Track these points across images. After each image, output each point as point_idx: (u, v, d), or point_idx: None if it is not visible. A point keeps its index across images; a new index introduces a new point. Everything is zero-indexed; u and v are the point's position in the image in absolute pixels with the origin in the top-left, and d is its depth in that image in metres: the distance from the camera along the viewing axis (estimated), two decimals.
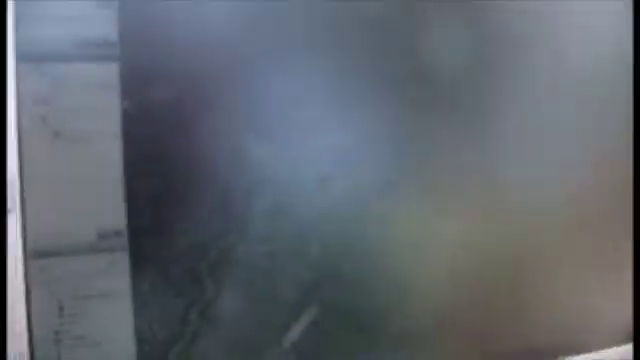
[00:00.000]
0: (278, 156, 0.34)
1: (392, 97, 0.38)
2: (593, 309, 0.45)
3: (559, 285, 0.43)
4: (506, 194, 0.41)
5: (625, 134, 0.45)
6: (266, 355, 0.34)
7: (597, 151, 0.44)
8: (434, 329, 0.38)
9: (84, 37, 0.32)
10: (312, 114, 0.36)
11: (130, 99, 0.32)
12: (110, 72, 0.32)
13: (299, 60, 0.35)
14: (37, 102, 0.31)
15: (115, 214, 0.32)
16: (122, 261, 0.32)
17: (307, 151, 0.35)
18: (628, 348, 0.45)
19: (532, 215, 0.42)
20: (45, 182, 0.31)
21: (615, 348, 0.45)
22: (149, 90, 0.32)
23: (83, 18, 0.32)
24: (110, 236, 0.32)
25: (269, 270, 0.34)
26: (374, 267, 0.36)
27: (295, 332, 0.34)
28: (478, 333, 0.40)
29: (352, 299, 0.36)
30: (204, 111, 0.33)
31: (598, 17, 0.44)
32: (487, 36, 0.40)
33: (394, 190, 0.37)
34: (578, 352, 0.44)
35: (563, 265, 0.43)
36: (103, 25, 0.32)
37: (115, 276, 0.32)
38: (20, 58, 0.31)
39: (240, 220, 0.33)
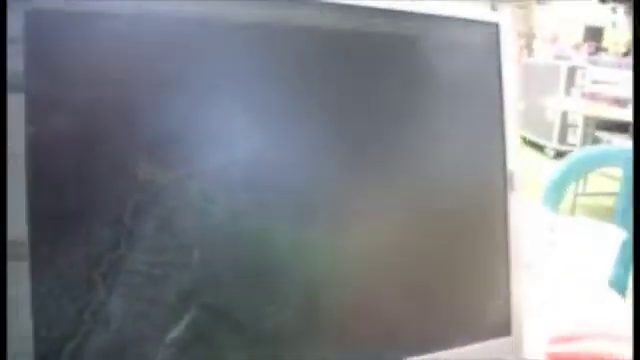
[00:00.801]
0: (167, 178, 0.39)
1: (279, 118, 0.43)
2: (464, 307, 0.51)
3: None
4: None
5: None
6: (150, 350, 0.38)
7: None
8: (306, 330, 0.44)
9: None
10: (199, 140, 0.40)
11: (34, 125, 0.36)
12: (16, 100, 0.36)
13: (193, 88, 0.40)
14: None
15: (18, 227, 0.36)
16: (23, 269, 0.36)
17: (193, 172, 0.40)
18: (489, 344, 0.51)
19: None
20: None
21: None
22: (52, 117, 0.37)
23: None
24: (14, 246, 0.36)
25: (155, 278, 0.38)
26: (251, 275, 0.41)
27: (176, 331, 0.39)
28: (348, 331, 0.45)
29: (229, 303, 0.41)
30: (101, 136, 0.38)
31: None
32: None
33: (270, 210, 0.42)
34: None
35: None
36: (11, 58, 0.36)
37: (17, 282, 0.36)
38: None
39: (130, 234, 0.38)
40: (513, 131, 0.52)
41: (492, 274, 0.52)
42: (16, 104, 0.36)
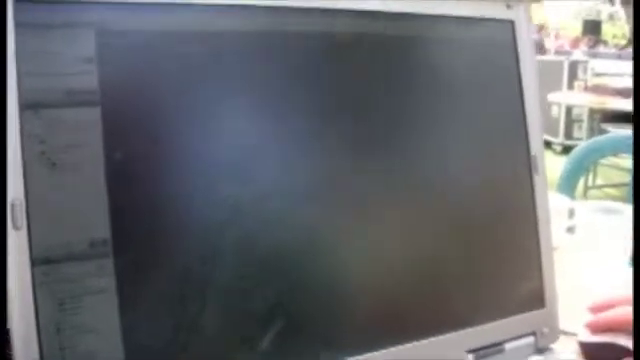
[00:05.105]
0: (245, 194, 0.44)
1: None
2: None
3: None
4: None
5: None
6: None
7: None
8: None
9: (71, 87, 0.40)
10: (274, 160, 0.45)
11: (111, 137, 0.40)
12: (93, 115, 0.40)
13: (266, 109, 0.45)
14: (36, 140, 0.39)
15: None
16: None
17: (270, 190, 0.45)
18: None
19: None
20: (46, 204, 0.39)
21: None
22: (129, 130, 0.41)
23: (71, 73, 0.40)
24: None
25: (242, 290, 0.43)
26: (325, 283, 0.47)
27: (265, 341, 0.43)
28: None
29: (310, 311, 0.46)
30: (180, 151, 0.42)
31: None
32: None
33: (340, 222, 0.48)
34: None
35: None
36: (87, 77, 0.40)
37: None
38: (22, 106, 0.39)
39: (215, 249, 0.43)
40: (535, 120, 0.56)
41: (524, 253, 0.56)
42: (92, 118, 0.40)
